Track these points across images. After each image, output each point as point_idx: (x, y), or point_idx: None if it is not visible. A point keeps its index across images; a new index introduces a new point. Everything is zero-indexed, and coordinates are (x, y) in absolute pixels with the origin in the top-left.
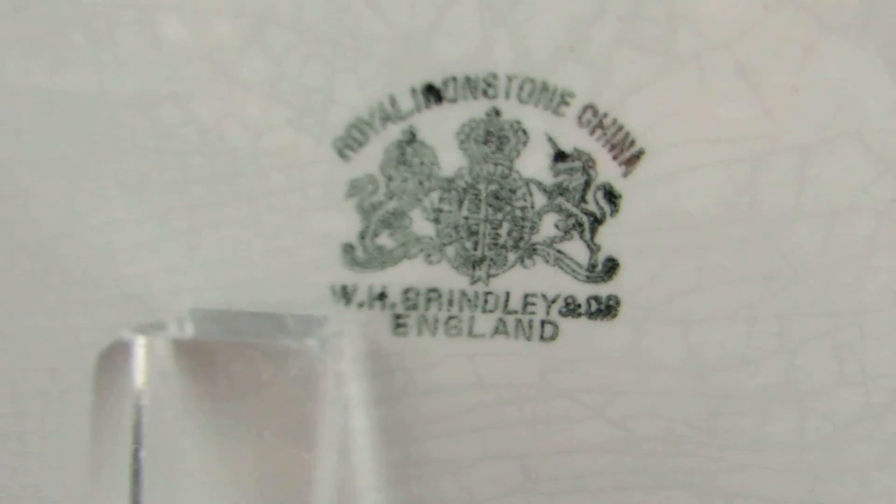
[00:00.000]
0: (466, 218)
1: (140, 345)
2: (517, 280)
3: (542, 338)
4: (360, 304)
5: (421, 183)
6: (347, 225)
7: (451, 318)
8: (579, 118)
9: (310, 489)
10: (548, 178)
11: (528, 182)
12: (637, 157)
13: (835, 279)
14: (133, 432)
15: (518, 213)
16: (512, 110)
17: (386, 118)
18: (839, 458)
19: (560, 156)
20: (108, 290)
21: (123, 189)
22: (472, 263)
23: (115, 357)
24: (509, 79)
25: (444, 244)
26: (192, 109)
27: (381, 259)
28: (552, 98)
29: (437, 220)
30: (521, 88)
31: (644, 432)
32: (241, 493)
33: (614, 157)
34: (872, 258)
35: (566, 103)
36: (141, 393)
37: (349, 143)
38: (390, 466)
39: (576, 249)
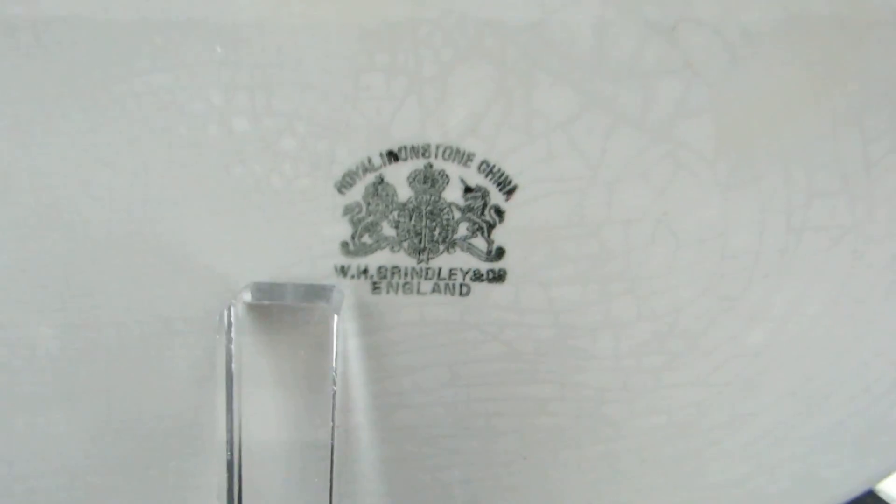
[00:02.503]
0: (414, 225)
1: (233, 306)
2: (445, 260)
3: (461, 294)
4: (352, 277)
5: (387, 206)
6: (344, 231)
7: (406, 283)
8: (479, 167)
9: (325, 387)
10: (461, 202)
11: (450, 205)
12: (513, 190)
13: (631, 262)
14: (226, 361)
15: (444, 222)
16: (439, 164)
17: (366, 170)
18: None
19: (468, 189)
20: (195, 270)
21: (206, 197)
22: (418, 251)
23: (223, 315)
24: (437, 147)
25: (402, 241)
26: (244, 156)
27: (364, 250)
28: (463, 157)
29: (397, 227)
30: (444, 152)
31: (522, 348)
32: (287, 401)
33: (500, 190)
34: (651, 249)
35: (471, 159)
36: (232, 339)
37: (344, 184)
38: (368, 367)
39: (479, 243)
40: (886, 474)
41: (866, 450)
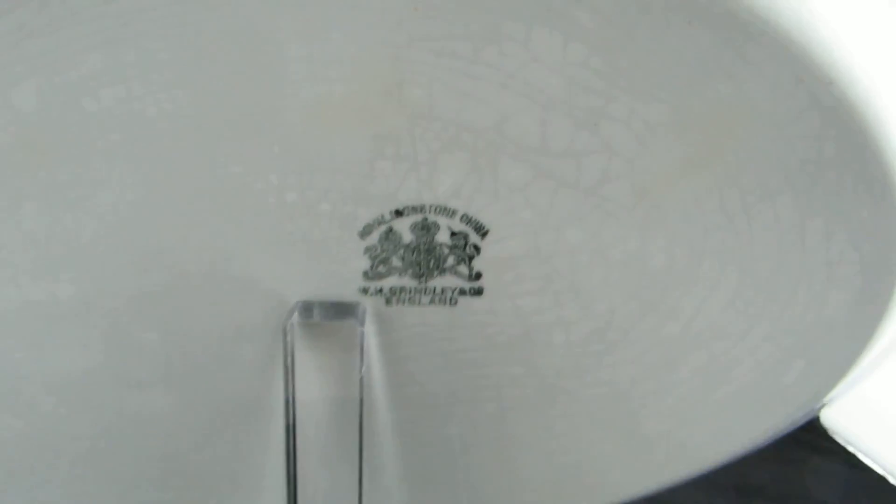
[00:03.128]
0: (415, 258)
1: (293, 324)
2: (438, 282)
3: (451, 304)
4: (371, 294)
5: (395, 246)
6: (364, 264)
7: (410, 298)
8: (461, 218)
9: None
10: (449, 242)
11: (440, 244)
12: (486, 233)
13: (575, 280)
14: (284, 357)
15: (437, 255)
16: (432, 217)
17: (379, 223)
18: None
19: (453, 234)
20: (260, 292)
21: (267, 245)
22: (419, 276)
23: (284, 329)
24: (430, 206)
25: (406, 269)
26: (293, 217)
27: (379, 276)
28: (449, 212)
29: (402, 260)
30: (436, 209)
31: (497, 341)
32: (328, 385)
33: (476, 233)
34: (589, 270)
35: (454, 213)
36: (289, 344)
37: (365, 233)
38: (384, 357)
39: (463, 269)
40: (782, 427)
41: (763, 408)
